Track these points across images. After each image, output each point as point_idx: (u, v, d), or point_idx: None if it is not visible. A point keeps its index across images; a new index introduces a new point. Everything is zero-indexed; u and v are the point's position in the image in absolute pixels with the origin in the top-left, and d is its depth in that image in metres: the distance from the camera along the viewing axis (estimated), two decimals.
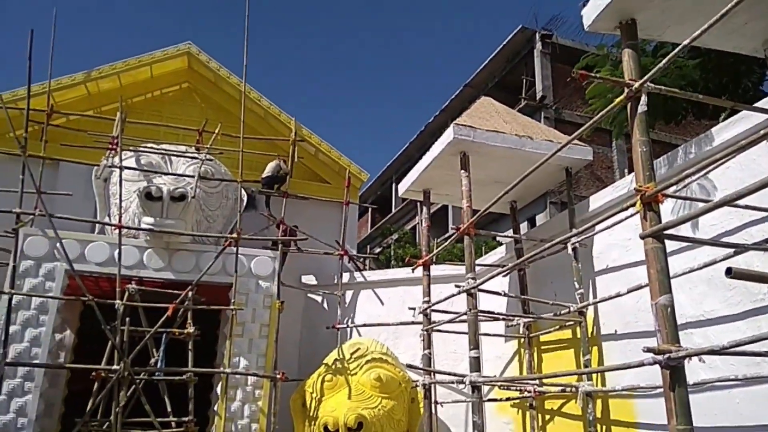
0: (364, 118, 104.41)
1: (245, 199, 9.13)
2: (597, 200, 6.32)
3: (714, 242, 4.33)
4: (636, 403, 5.33)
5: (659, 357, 3.29)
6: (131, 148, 8.57)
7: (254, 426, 7.61)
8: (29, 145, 7.47)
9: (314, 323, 9.57)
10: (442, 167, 7.10)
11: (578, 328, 6.11)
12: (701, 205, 4.12)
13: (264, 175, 9.79)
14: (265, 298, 8.16)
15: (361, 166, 11.58)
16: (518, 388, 6.91)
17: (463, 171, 6.61)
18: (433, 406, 7.45)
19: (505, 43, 24.10)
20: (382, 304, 9.32)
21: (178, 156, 8.76)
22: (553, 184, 7.67)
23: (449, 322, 7.04)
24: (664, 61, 3.70)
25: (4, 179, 7.97)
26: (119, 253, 7.44)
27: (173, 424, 7.38)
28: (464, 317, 6.31)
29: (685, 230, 4.67)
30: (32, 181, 7.38)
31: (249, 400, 7.70)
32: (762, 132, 3.06)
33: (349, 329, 9.15)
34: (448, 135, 6.57)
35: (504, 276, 7.49)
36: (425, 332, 7.44)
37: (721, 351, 3.28)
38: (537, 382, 6.65)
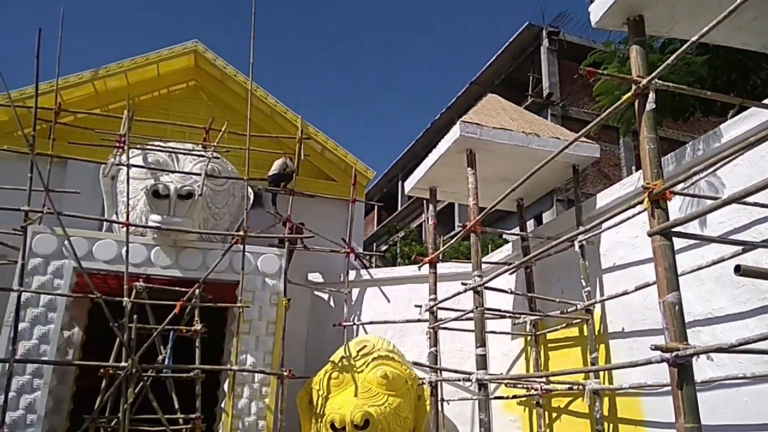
0: (371, 116, 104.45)
1: (252, 196, 9.14)
2: (604, 198, 6.29)
3: (722, 240, 4.30)
4: (643, 401, 5.31)
5: (667, 355, 3.28)
6: (138, 146, 8.60)
7: (261, 423, 7.64)
8: (37, 143, 7.51)
9: (321, 321, 9.59)
10: (448, 165, 7.09)
11: (585, 326, 6.10)
12: (709, 202, 4.09)
13: (270, 173, 9.81)
14: (272, 295, 8.19)
15: (368, 163, 11.59)
16: (525, 386, 6.90)
17: (469, 168, 6.60)
18: (439, 403, 7.45)
19: (511, 40, 24.03)
20: (389, 301, 9.33)
21: (185, 154, 8.79)
22: (559, 181, 7.65)
23: (456, 319, 7.04)
24: (672, 58, 3.68)
25: (12, 177, 8.02)
26: (127, 251, 7.48)
27: (181, 420, 7.42)
28: (471, 315, 6.30)
29: (692, 228, 4.64)
30: (40, 179, 7.42)
31: (256, 397, 7.73)
32: None
33: (355, 327, 9.16)
34: (454, 132, 6.55)
35: (510, 274, 7.48)
36: (432, 330, 7.44)
37: (729, 349, 3.27)
38: (544, 379, 6.64)
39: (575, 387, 6.08)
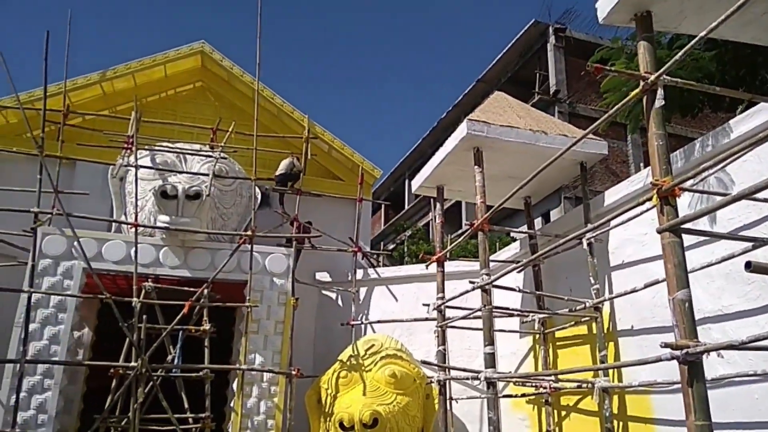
0: (377, 115, 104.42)
1: (259, 196, 9.16)
2: (612, 195, 6.26)
3: (732, 236, 4.28)
4: (653, 398, 5.29)
5: (677, 352, 3.27)
6: (146, 147, 8.65)
7: (270, 422, 7.66)
8: (46, 145, 7.55)
9: (328, 320, 9.60)
10: (455, 163, 7.08)
11: (594, 324, 6.08)
12: (719, 198, 4.08)
13: (277, 173, 9.83)
14: (280, 295, 8.20)
15: (374, 162, 11.58)
16: (534, 384, 6.89)
17: (476, 166, 6.59)
18: (448, 402, 7.45)
19: (518, 37, 23.97)
20: (396, 300, 9.33)
21: (192, 154, 8.82)
22: (567, 179, 7.62)
23: (463, 318, 7.03)
24: (680, 54, 3.66)
25: (22, 179, 8.08)
26: (136, 252, 7.53)
27: (190, 420, 7.45)
28: (479, 313, 6.29)
29: (702, 224, 4.61)
30: (49, 180, 7.47)
31: (265, 397, 7.75)
32: None
33: (363, 326, 9.17)
34: (461, 130, 6.54)
35: (518, 272, 7.46)
36: (439, 328, 7.44)
37: (739, 346, 3.26)
38: (552, 378, 6.63)
39: (584, 385, 6.06)
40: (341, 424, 6.90)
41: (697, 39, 3.61)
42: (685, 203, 4.87)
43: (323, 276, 9.98)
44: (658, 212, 3.61)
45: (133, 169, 8.04)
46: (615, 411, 5.72)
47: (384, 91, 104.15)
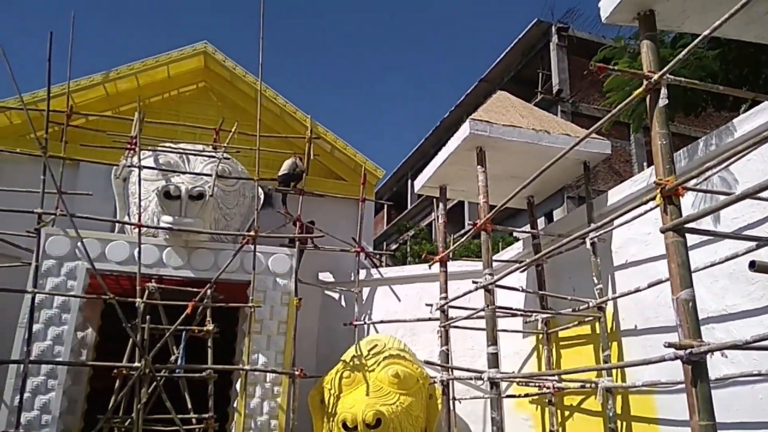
0: (379, 115, 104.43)
1: (262, 197, 9.18)
2: (615, 194, 6.25)
3: (736, 235, 4.26)
4: (656, 398, 5.28)
5: (681, 352, 3.26)
6: (149, 147, 8.66)
7: (273, 422, 7.66)
8: (50, 145, 7.58)
9: (331, 320, 9.61)
10: (458, 163, 7.07)
11: (597, 324, 6.07)
12: (723, 198, 4.06)
13: (280, 173, 9.83)
14: (283, 295, 8.21)
15: (377, 162, 11.58)
16: (537, 384, 6.88)
17: (479, 166, 6.58)
18: (451, 402, 7.44)
19: (520, 36, 23.94)
20: (399, 300, 9.33)
21: (195, 155, 8.83)
22: (570, 178, 7.61)
23: (467, 318, 7.02)
24: (683, 53, 3.65)
25: (25, 180, 8.10)
26: (139, 252, 7.54)
27: (194, 420, 7.47)
28: (482, 313, 6.29)
29: (706, 224, 4.60)
30: (53, 181, 7.49)
31: (268, 397, 7.76)
32: None
33: (366, 326, 9.17)
34: (464, 130, 6.54)
35: (521, 272, 7.45)
36: (442, 328, 7.43)
37: (743, 346, 3.25)
38: (556, 378, 6.62)
39: (587, 385, 6.05)
40: (344, 425, 6.91)
41: (700, 38, 3.60)
42: (688, 203, 4.86)
43: (326, 276, 9.99)
44: (662, 212, 3.61)
45: (137, 170, 8.05)
46: (618, 411, 5.71)
47: (385, 91, 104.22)
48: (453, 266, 8.20)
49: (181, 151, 8.81)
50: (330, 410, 7.53)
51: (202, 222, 7.99)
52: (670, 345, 3.30)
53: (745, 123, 4.59)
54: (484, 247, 6.38)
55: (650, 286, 5.15)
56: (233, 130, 9.14)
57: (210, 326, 7.64)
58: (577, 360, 6.60)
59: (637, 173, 8.30)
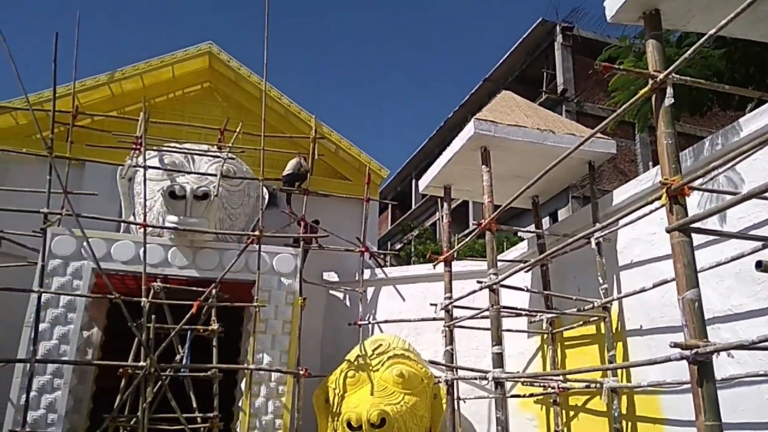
0: (383, 115, 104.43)
1: (267, 197, 9.19)
2: (621, 194, 6.24)
3: (742, 235, 4.25)
4: (662, 399, 5.26)
5: (686, 352, 3.25)
6: (155, 147, 8.68)
7: (278, 422, 7.68)
8: (55, 146, 7.60)
9: (336, 320, 9.61)
10: (462, 162, 7.07)
11: (602, 324, 6.05)
12: (729, 197, 4.05)
13: (285, 173, 9.84)
14: (288, 294, 8.22)
15: (381, 162, 11.58)
16: (542, 384, 6.87)
17: (484, 166, 6.58)
18: (456, 402, 7.44)
19: (525, 36, 23.90)
20: (404, 300, 9.33)
21: (200, 155, 8.85)
22: (575, 178, 7.59)
23: (471, 318, 7.02)
24: (689, 52, 3.64)
25: (31, 180, 8.13)
26: (144, 252, 7.57)
27: (199, 419, 7.48)
28: (486, 313, 6.28)
29: (711, 223, 4.58)
30: (59, 181, 7.51)
31: (273, 396, 7.77)
32: None
33: (370, 326, 9.17)
34: (468, 130, 6.53)
35: (526, 272, 7.44)
36: (447, 328, 7.43)
37: (749, 346, 3.24)
38: (561, 378, 6.61)
39: (593, 385, 6.04)
40: (349, 424, 6.91)
41: (706, 37, 3.59)
42: (694, 202, 4.85)
43: (331, 276, 10.00)
44: (668, 211, 3.60)
45: (142, 170, 8.08)
46: (624, 411, 5.70)
47: (389, 90, 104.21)
48: (457, 266, 8.20)
49: (186, 151, 8.83)
50: (335, 410, 7.53)
51: (207, 222, 8.01)
52: (675, 345, 3.30)
53: (751, 122, 4.58)
54: (488, 246, 6.38)
55: (655, 286, 5.14)
56: (238, 130, 9.15)
57: (215, 326, 7.66)
58: (582, 360, 6.59)
59: (642, 173, 8.27)
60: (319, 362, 9.06)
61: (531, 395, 7.17)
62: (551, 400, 6.91)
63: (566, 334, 6.91)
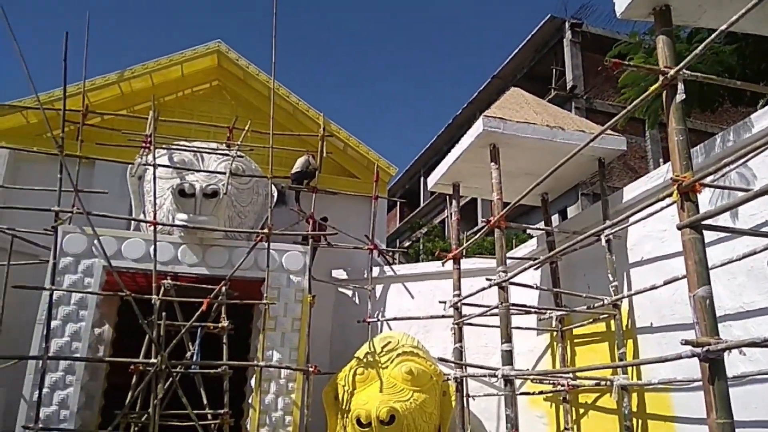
0: (392, 112, 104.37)
1: (275, 194, 9.22)
2: (631, 191, 6.21)
3: (754, 232, 4.21)
4: (673, 396, 5.24)
5: (698, 350, 3.23)
6: (164, 146, 8.73)
7: (288, 418, 7.71)
8: (66, 144, 7.66)
9: (345, 317, 9.64)
10: (471, 160, 7.05)
11: (612, 321, 6.03)
12: (740, 194, 4.02)
13: (293, 171, 9.87)
14: (297, 292, 8.25)
15: (389, 160, 11.60)
16: (551, 382, 6.86)
17: (493, 163, 6.56)
18: (465, 399, 7.44)
19: (533, 32, 23.77)
20: (413, 297, 9.34)
21: (209, 153, 8.89)
22: (585, 175, 7.56)
23: (480, 315, 7.01)
24: (700, 48, 3.61)
25: (42, 178, 8.20)
26: (155, 249, 7.61)
27: (209, 416, 7.52)
28: (495, 311, 6.27)
29: (723, 220, 4.56)
30: (69, 179, 7.58)
31: (282, 393, 7.81)
32: None
33: (379, 323, 9.18)
34: (477, 127, 6.52)
35: (536, 269, 7.43)
36: (456, 326, 7.43)
37: (761, 343, 3.21)
38: (570, 375, 6.59)
39: (603, 383, 6.02)
40: (358, 421, 6.93)
41: (717, 33, 3.56)
42: (705, 199, 4.81)
43: (339, 273, 10.02)
44: (679, 208, 3.57)
45: (152, 168, 8.12)
46: (634, 409, 5.68)
47: (397, 88, 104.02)
48: (466, 263, 8.19)
49: (196, 149, 8.87)
50: (344, 407, 7.56)
51: (216, 220, 8.04)
52: (687, 342, 3.28)
53: (763, 118, 4.54)
54: (497, 244, 6.36)
55: (666, 283, 5.11)
56: (246, 128, 9.19)
57: (225, 323, 7.70)
58: (591, 357, 6.57)
59: (652, 170, 8.22)
60: (328, 359, 9.09)
61: (540, 393, 7.15)
62: (561, 398, 6.89)
63: (576, 331, 6.89)
